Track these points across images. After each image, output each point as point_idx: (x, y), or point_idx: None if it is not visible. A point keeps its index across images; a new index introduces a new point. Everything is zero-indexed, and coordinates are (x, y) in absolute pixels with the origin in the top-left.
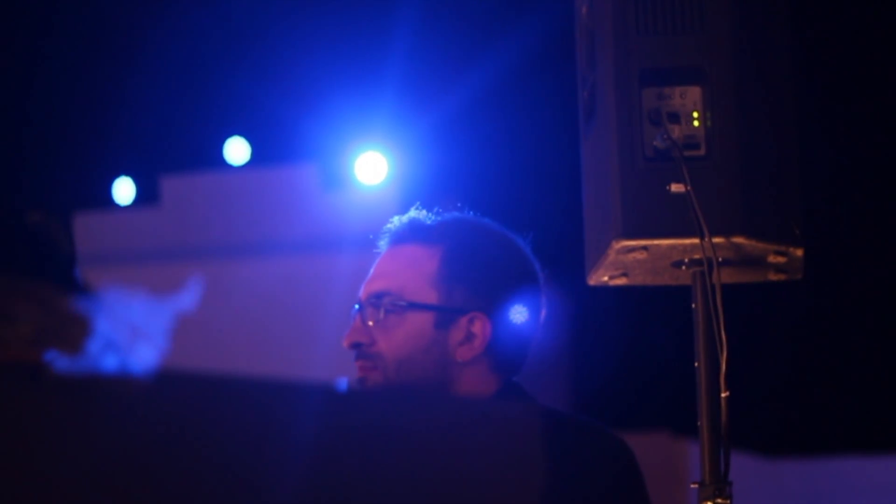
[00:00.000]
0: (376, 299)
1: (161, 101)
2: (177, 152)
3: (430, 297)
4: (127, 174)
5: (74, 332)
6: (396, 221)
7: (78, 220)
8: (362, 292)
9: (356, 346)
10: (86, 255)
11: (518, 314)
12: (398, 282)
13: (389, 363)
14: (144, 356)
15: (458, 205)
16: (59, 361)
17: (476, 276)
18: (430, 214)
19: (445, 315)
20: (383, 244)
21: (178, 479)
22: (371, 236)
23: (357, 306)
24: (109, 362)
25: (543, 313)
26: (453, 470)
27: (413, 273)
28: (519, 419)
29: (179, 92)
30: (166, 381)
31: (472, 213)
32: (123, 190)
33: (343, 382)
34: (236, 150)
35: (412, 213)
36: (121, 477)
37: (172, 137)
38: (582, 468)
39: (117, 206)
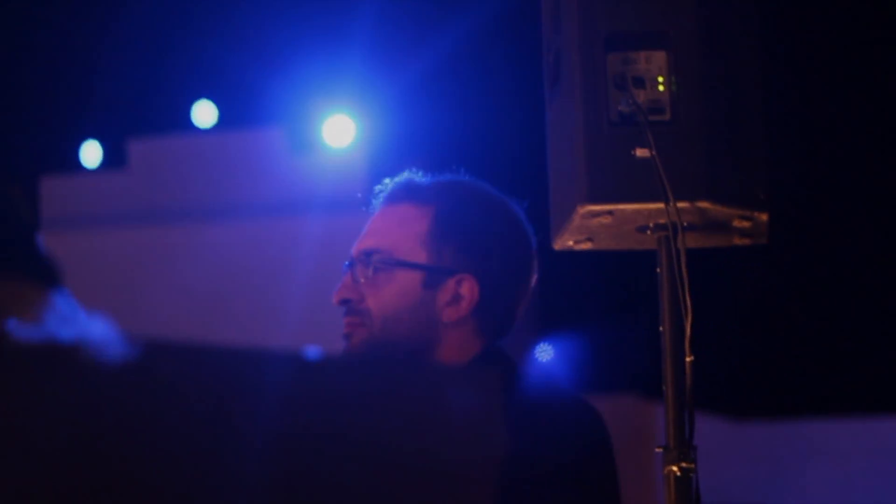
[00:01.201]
0: (366, 257)
1: (129, 64)
2: (144, 115)
3: (420, 256)
4: (94, 137)
5: (33, 302)
6: (389, 182)
7: (44, 184)
8: (353, 249)
9: (345, 302)
10: (52, 218)
11: (507, 278)
12: (388, 240)
13: (376, 320)
14: (104, 326)
15: (454, 167)
16: (18, 331)
17: (466, 238)
18: (425, 175)
19: (433, 275)
20: (377, 203)
21: (140, 449)
22: (359, 194)
23: (347, 263)
24: (69, 332)
25: (534, 279)
26: (419, 438)
27: (403, 232)
28: (486, 386)
29: (147, 54)
30: (129, 349)
31: (467, 175)
32: (90, 153)
33: (312, 350)
34: (204, 113)
35: (407, 173)
36: (82, 446)
37: (140, 100)
38: (550, 438)
39: (84, 169)
